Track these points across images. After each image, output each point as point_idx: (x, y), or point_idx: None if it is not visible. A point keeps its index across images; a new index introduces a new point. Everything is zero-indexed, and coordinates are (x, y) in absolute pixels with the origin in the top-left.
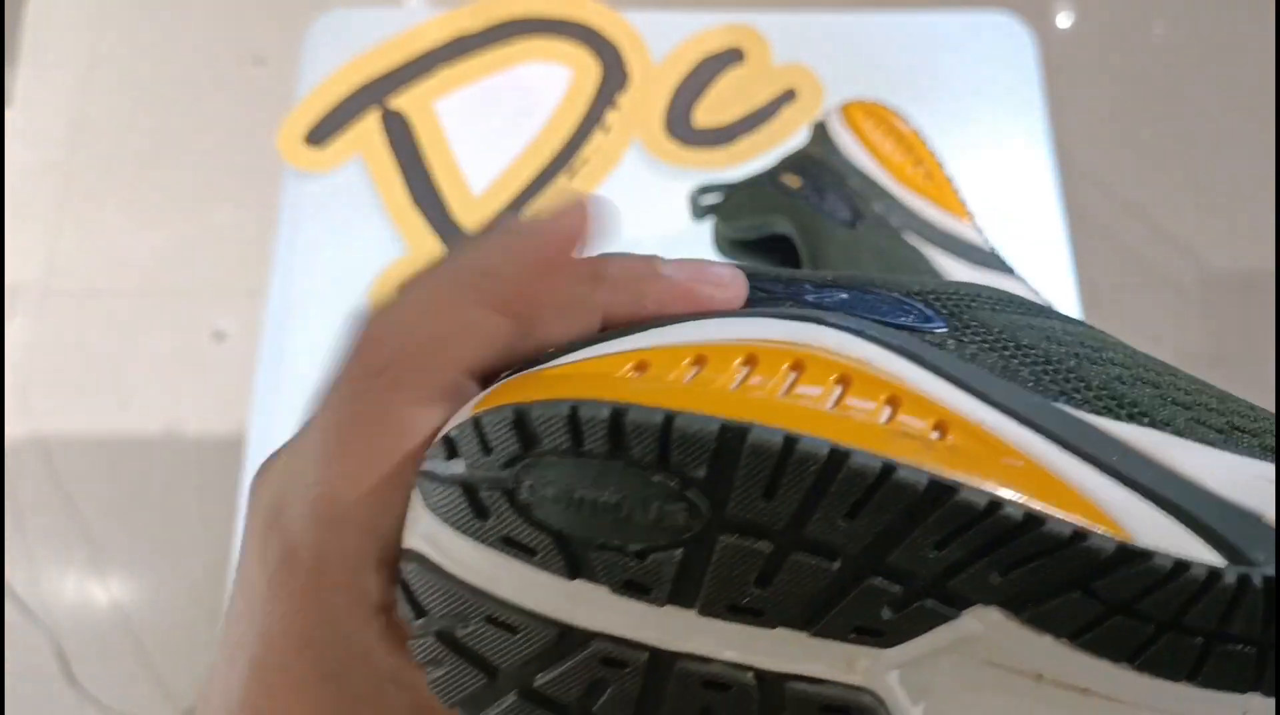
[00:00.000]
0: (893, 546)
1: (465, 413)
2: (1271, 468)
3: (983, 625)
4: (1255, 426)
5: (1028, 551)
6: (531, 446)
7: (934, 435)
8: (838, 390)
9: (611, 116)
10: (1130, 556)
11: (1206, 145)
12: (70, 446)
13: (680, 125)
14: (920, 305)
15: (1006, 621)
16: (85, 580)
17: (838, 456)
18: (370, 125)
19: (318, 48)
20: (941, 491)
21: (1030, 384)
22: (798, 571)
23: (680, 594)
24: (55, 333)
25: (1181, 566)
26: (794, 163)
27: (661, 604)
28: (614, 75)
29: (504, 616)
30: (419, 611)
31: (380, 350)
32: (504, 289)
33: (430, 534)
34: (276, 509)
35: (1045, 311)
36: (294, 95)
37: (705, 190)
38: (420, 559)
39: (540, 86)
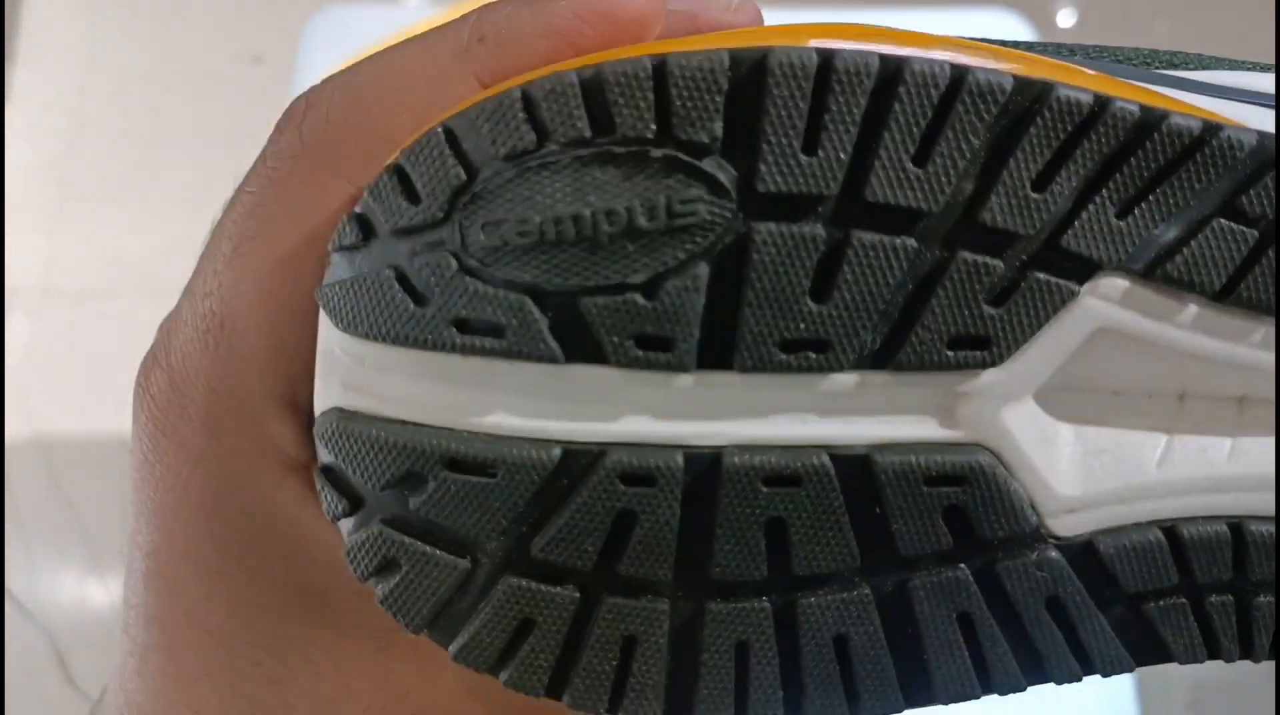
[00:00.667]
0: (984, 192)
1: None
2: None
3: (1108, 304)
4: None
5: (1152, 165)
6: (473, 171)
7: (1005, 63)
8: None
9: None
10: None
11: None
12: (69, 447)
13: None
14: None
15: (1139, 288)
16: (84, 580)
17: (890, 65)
18: None
19: (315, 45)
20: (1035, 94)
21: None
22: (865, 260)
23: (714, 343)
24: (54, 333)
25: None
26: None
27: (690, 367)
28: None
29: (474, 454)
30: (352, 501)
31: (326, 118)
32: (516, 67)
33: (349, 373)
34: (164, 339)
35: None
36: (292, 93)
37: None
38: (340, 415)
39: None
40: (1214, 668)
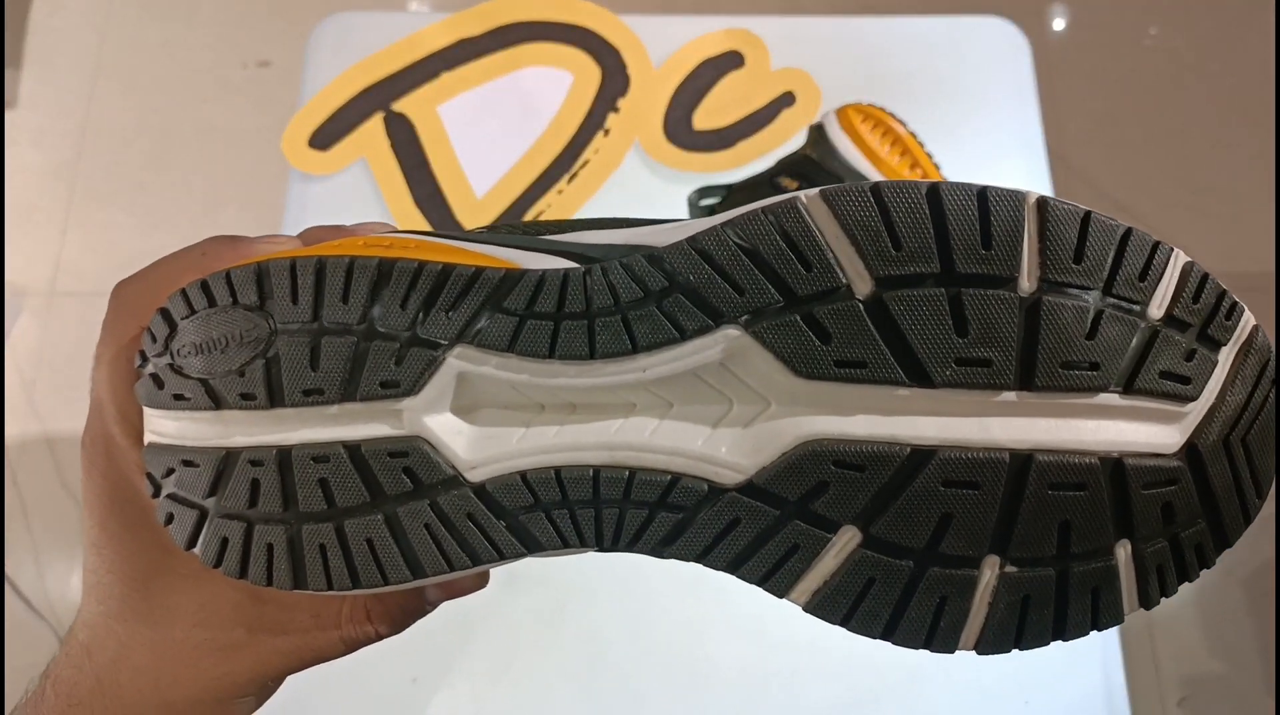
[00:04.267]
0: (375, 314)
1: None
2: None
3: (457, 359)
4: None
5: (453, 291)
6: (172, 324)
7: (403, 248)
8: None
9: (612, 119)
10: (514, 277)
11: (1201, 148)
12: (76, 446)
13: (680, 128)
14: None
15: (469, 351)
16: None
17: (321, 260)
18: (374, 128)
19: (322, 51)
20: (386, 265)
21: (505, 232)
22: (331, 349)
23: (274, 393)
24: (61, 333)
25: (546, 274)
26: (791, 165)
27: (267, 406)
28: (614, 79)
29: (189, 457)
30: (155, 486)
31: (126, 294)
32: (212, 268)
33: (150, 423)
34: (94, 409)
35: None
36: (299, 98)
37: (704, 192)
38: (149, 446)
39: (542, 90)
40: (1206, 665)
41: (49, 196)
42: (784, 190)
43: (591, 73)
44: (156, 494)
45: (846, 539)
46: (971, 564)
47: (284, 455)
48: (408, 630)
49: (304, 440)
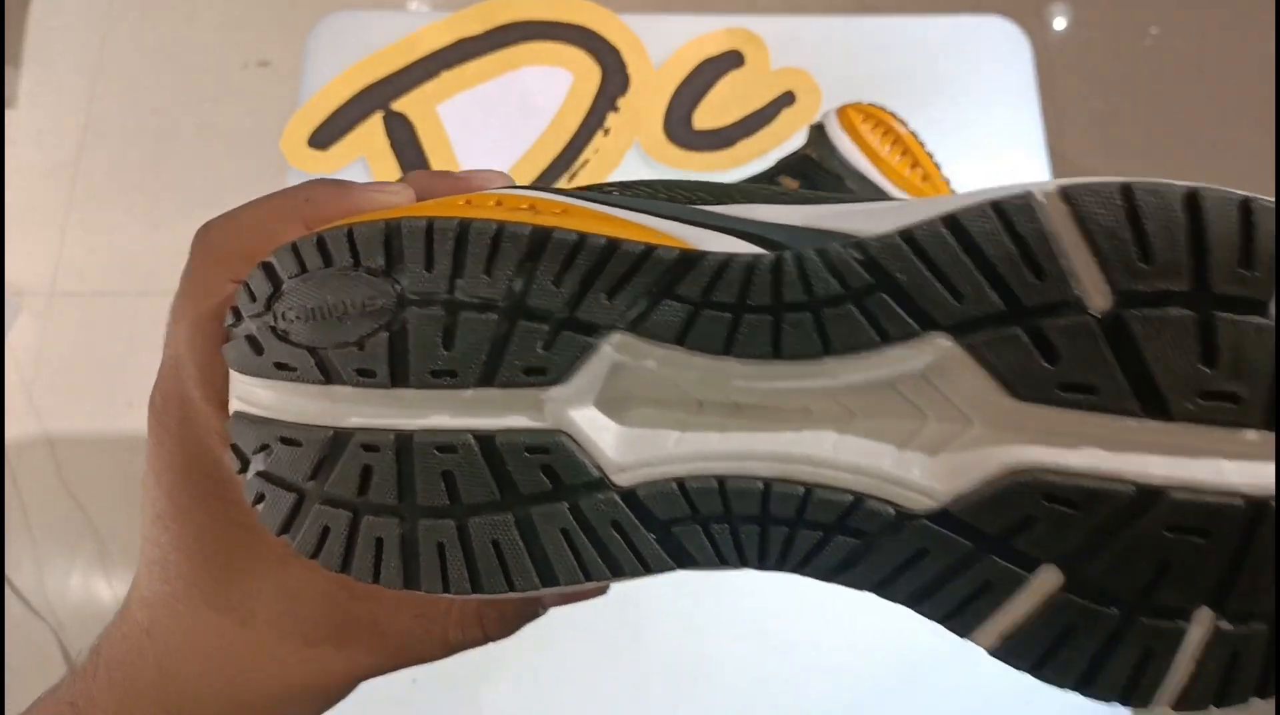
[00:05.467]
0: (526, 288)
1: None
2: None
3: (615, 349)
4: (826, 198)
5: (618, 271)
6: (277, 283)
7: (553, 214)
8: (496, 202)
9: (612, 119)
10: (691, 259)
11: (1201, 148)
12: (76, 446)
13: (680, 128)
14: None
15: (630, 340)
16: (90, 577)
17: (464, 224)
18: (373, 128)
19: (321, 51)
20: (542, 235)
21: (645, 195)
22: (469, 327)
23: (397, 371)
24: (62, 333)
25: (733, 259)
26: (792, 165)
27: (388, 385)
28: (614, 78)
29: (288, 434)
30: (242, 461)
31: (214, 240)
32: (318, 217)
33: (238, 390)
34: (159, 370)
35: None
36: (298, 98)
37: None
38: (236, 415)
39: (542, 90)
40: None
41: (49, 196)
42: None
43: (591, 72)
44: (244, 469)
45: (1047, 580)
46: (1183, 615)
47: (404, 441)
48: None
49: (429, 426)
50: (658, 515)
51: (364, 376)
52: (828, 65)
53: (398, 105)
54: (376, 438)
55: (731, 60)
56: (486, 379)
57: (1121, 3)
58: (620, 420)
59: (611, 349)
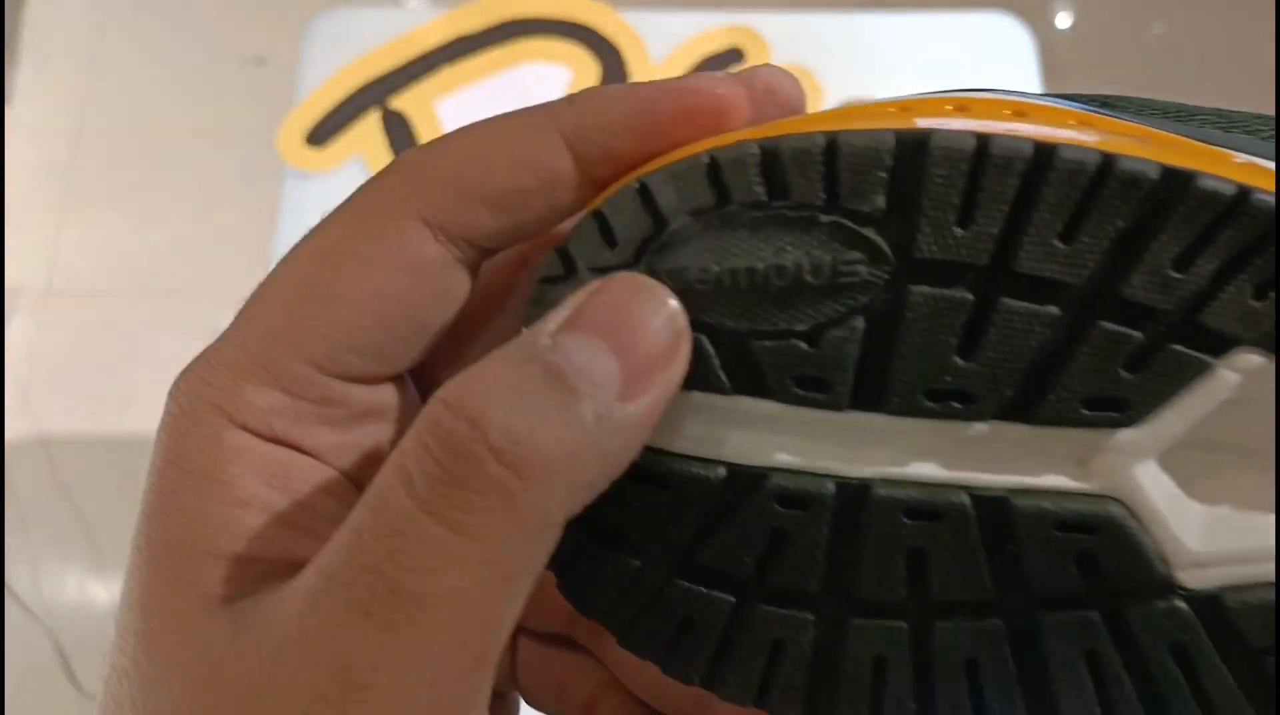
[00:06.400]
0: (1125, 269)
1: (580, 217)
2: None
3: (1242, 377)
4: None
5: (1244, 236)
6: (662, 223)
7: (1140, 140)
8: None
9: None
10: None
11: None
12: (72, 447)
13: None
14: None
15: (1262, 361)
16: (86, 580)
17: (1043, 152)
18: (371, 125)
19: (318, 48)
20: (1178, 183)
21: (1169, 115)
22: (1010, 324)
23: (866, 386)
24: (56, 333)
25: None
26: None
27: (843, 407)
28: (613, 76)
29: (650, 470)
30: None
31: (414, 168)
32: (594, 124)
33: None
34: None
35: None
36: (295, 95)
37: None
38: None
39: (540, 87)
40: None
41: (43, 194)
42: None
43: (590, 69)
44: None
45: None
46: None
47: (852, 496)
48: None
49: (899, 476)
50: (1250, 638)
51: (807, 388)
52: (829, 62)
53: (395, 103)
54: (806, 486)
55: (732, 57)
56: (1014, 410)
57: None
58: (1190, 488)
59: (1233, 375)
